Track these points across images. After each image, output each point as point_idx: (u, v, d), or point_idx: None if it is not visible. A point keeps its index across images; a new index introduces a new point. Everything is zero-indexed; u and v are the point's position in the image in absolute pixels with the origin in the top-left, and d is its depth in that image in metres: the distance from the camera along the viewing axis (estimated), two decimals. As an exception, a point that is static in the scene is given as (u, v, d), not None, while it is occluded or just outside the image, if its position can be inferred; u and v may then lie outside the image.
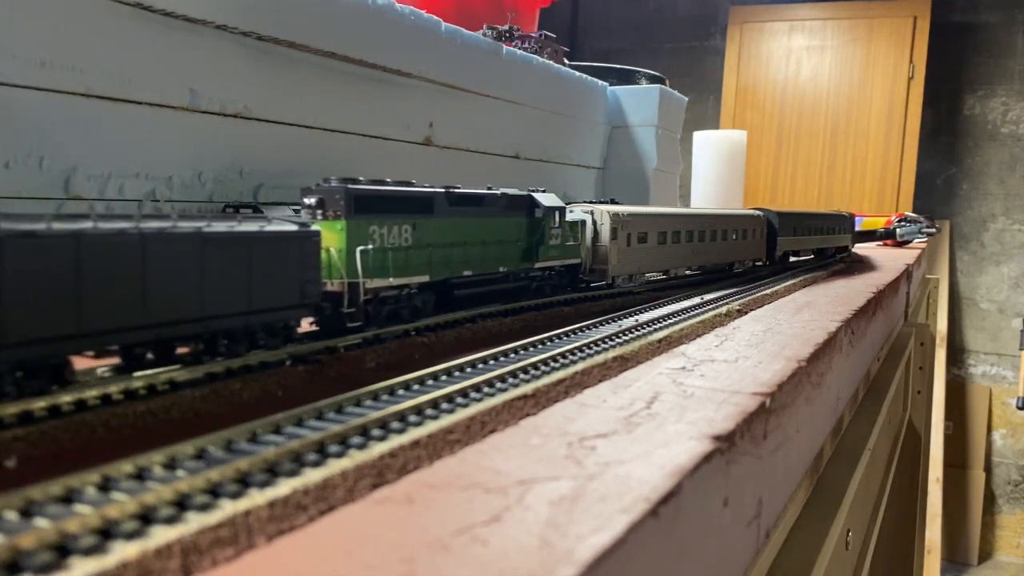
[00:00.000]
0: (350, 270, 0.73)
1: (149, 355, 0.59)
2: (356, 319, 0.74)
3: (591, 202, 1.26)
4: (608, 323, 0.92)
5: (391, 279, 0.79)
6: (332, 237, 0.74)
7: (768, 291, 1.27)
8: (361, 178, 0.79)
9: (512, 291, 1.01)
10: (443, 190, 0.88)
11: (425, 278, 0.84)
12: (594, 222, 1.15)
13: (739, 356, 0.79)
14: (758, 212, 1.68)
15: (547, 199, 1.05)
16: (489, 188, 0.97)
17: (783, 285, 1.36)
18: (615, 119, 2.42)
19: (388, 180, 0.82)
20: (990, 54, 4.60)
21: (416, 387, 0.61)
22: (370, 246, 0.75)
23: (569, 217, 1.10)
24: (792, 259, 1.87)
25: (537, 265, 1.03)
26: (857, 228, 2.73)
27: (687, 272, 1.47)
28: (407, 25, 1.51)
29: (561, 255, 1.08)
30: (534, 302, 1.05)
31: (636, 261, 1.22)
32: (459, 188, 0.90)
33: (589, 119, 2.31)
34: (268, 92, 1.27)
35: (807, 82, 4.63)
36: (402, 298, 0.82)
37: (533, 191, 1.05)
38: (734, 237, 1.55)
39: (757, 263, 1.70)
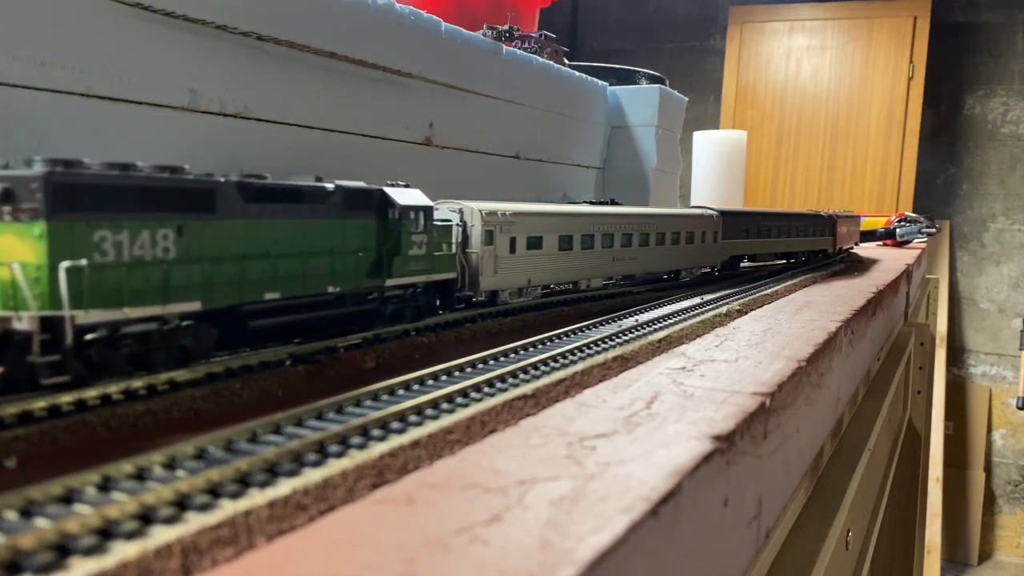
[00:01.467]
0: (50, 298, 0.50)
1: None
2: (62, 371, 0.52)
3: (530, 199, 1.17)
4: (608, 323, 0.92)
5: (126, 309, 0.54)
6: (21, 247, 0.50)
7: (768, 291, 1.27)
8: (87, 160, 0.54)
9: (348, 319, 0.77)
10: (235, 180, 0.65)
11: (196, 306, 0.60)
12: (464, 223, 0.92)
13: (739, 356, 0.79)
14: (711, 211, 1.48)
15: (406, 196, 0.82)
16: (318, 179, 0.74)
17: (783, 285, 1.36)
18: (615, 119, 2.42)
19: (142, 165, 0.58)
20: (990, 54, 4.60)
21: (416, 387, 0.61)
22: (84, 261, 0.51)
23: (439, 219, 0.90)
24: (749, 264, 1.69)
25: (390, 283, 0.80)
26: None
27: (617, 280, 1.28)
28: (407, 25, 1.51)
29: (428, 269, 0.84)
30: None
31: (524, 271, 1.00)
32: (265, 178, 0.68)
33: (589, 119, 2.31)
34: (268, 92, 1.27)
35: (807, 82, 4.63)
36: (154, 336, 0.58)
37: (394, 185, 0.83)
38: (676, 241, 1.33)
39: (713, 271, 1.53)
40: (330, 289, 0.73)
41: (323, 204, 0.73)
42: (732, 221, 1.53)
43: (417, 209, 0.83)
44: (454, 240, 0.90)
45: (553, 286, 1.11)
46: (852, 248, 2.40)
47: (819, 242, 1.95)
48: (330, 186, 0.73)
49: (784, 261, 1.84)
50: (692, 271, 1.42)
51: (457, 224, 0.91)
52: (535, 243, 1.01)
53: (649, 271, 1.28)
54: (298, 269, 0.69)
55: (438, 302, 0.90)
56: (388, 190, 0.80)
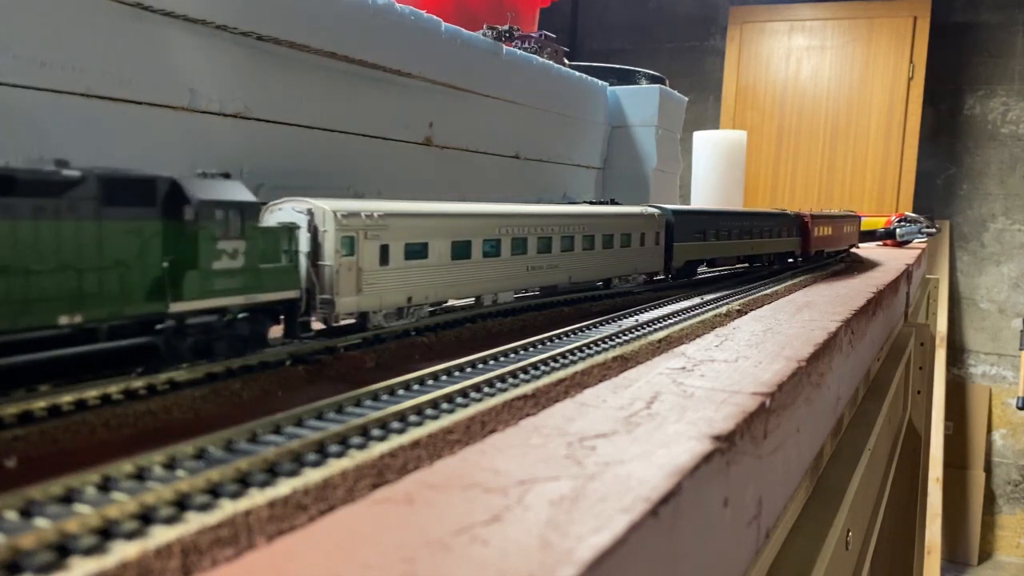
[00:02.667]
0: None
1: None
2: None
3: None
4: (608, 323, 0.92)
5: None
6: None
7: (768, 291, 1.27)
8: None
9: (102, 359, 0.55)
10: None
11: None
12: (313, 227, 0.71)
13: (739, 356, 0.79)
14: (654, 210, 1.29)
15: (211, 188, 0.62)
16: (61, 162, 0.52)
17: (783, 285, 1.36)
18: (615, 119, 2.42)
19: None
20: (990, 54, 4.60)
21: (416, 387, 0.61)
22: None
23: (270, 220, 0.72)
24: (707, 271, 1.55)
25: (180, 308, 0.58)
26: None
27: (533, 293, 1.10)
28: (407, 25, 1.51)
29: (248, 287, 0.64)
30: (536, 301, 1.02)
31: (402, 287, 0.80)
32: None
33: (589, 119, 2.31)
34: (268, 92, 1.27)
35: (807, 82, 4.63)
36: None
37: (204, 175, 0.64)
38: (609, 244, 1.15)
39: (668, 278, 1.36)
40: (64, 320, 0.51)
41: (58, 198, 0.51)
42: (686, 221, 1.35)
43: (227, 207, 0.61)
44: (297, 249, 0.70)
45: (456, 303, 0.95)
46: (848, 249, 2.24)
47: (786, 244, 1.76)
48: (75, 173, 0.52)
49: (747, 266, 1.67)
50: (632, 278, 1.22)
51: (302, 228, 0.71)
52: (417, 251, 0.82)
53: (576, 280, 1.09)
54: (2, 292, 0.48)
55: (277, 328, 0.69)
56: (184, 181, 0.60)
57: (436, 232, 0.85)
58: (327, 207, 0.72)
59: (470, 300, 0.95)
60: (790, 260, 1.80)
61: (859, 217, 2.37)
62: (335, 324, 0.74)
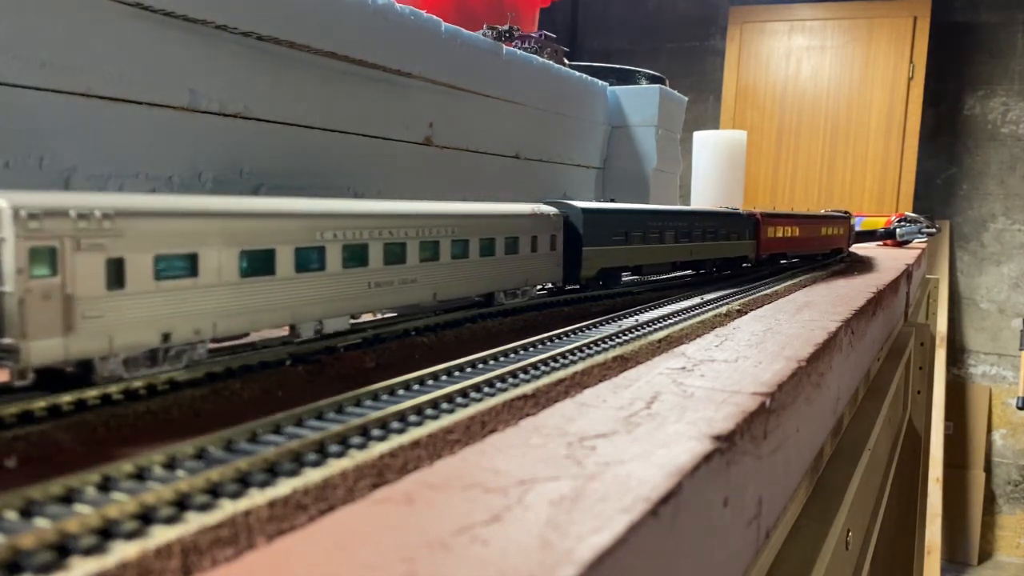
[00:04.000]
0: None
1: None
2: None
3: None
4: (608, 323, 0.92)
5: None
6: None
7: (768, 291, 1.27)
8: None
9: None
10: None
11: None
12: None
13: (739, 356, 0.79)
14: (549, 209, 1.07)
15: None
16: None
17: (783, 285, 1.36)
18: (615, 119, 2.42)
19: None
20: (990, 54, 4.61)
21: (416, 387, 0.61)
22: None
23: None
24: (631, 278, 1.30)
25: None
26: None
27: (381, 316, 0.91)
28: (407, 25, 1.51)
29: None
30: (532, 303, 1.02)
31: (155, 319, 0.57)
32: None
33: (589, 119, 2.31)
34: (268, 92, 1.27)
35: (807, 82, 4.63)
36: None
37: None
38: (489, 251, 0.94)
39: (555, 285, 1.13)
40: None
41: None
42: (599, 221, 1.13)
43: None
44: None
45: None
46: (833, 253, 2.04)
47: (736, 247, 1.54)
48: None
49: (691, 273, 1.48)
50: (523, 291, 1.01)
51: None
52: (179, 267, 0.58)
53: (444, 298, 0.86)
54: None
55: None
56: None
57: (212, 238, 0.60)
58: (3, 203, 0.48)
59: (282, 331, 0.71)
60: (745, 265, 1.60)
61: (847, 217, 2.11)
62: (37, 377, 0.53)
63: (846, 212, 2.31)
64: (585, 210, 1.10)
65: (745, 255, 1.58)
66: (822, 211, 2.19)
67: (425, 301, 0.84)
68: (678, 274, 1.45)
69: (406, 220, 0.80)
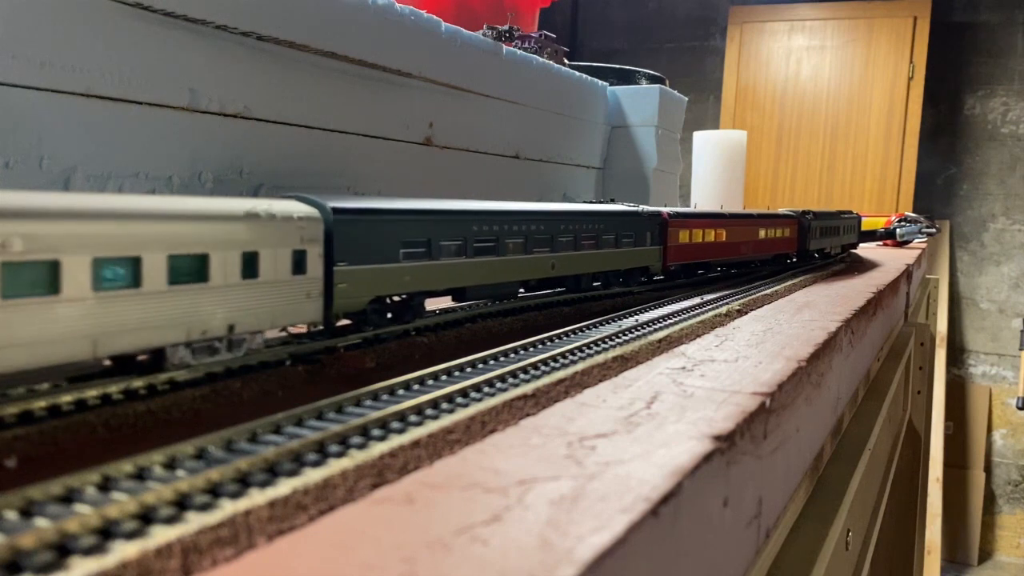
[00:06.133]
0: None
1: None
2: None
3: None
4: (608, 323, 0.92)
5: None
6: None
7: (768, 291, 1.27)
8: None
9: None
10: None
11: None
12: None
13: (739, 356, 0.79)
14: (292, 209, 0.65)
15: None
16: None
17: (783, 285, 1.36)
18: (615, 119, 2.42)
19: None
20: (990, 54, 4.61)
21: (416, 387, 0.61)
22: None
23: None
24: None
25: None
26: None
27: None
28: (407, 25, 1.51)
29: None
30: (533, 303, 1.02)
31: None
32: None
33: (589, 119, 2.31)
34: (268, 92, 1.27)
35: (807, 82, 4.63)
36: None
37: None
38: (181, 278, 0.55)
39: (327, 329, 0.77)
40: None
41: None
42: (368, 226, 0.73)
43: None
44: None
45: None
46: (791, 255, 1.74)
47: (629, 257, 1.16)
48: None
49: (563, 291, 1.09)
50: (235, 342, 0.61)
51: None
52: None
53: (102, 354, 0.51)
54: None
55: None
56: None
57: None
58: None
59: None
60: (644, 279, 1.25)
61: (797, 217, 1.76)
62: None
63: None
64: (338, 210, 0.68)
65: (646, 266, 1.21)
66: (769, 209, 1.84)
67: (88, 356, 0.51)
68: (545, 293, 1.08)
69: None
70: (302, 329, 0.72)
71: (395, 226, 0.77)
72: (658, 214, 1.24)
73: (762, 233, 1.60)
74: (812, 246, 1.82)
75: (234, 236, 0.59)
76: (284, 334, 0.69)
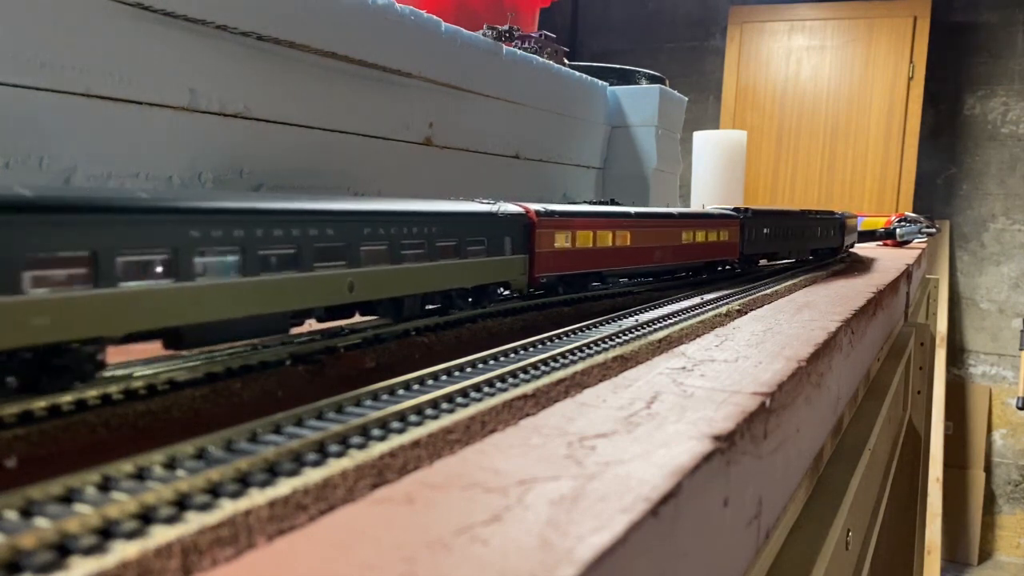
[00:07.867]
0: None
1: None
2: None
3: None
4: (608, 323, 0.91)
5: None
6: None
7: (768, 291, 1.27)
8: None
9: None
10: None
11: None
12: None
13: (739, 356, 0.79)
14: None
15: None
16: None
17: (783, 285, 1.36)
18: (615, 119, 2.42)
19: None
20: (990, 54, 4.60)
21: (416, 387, 0.61)
22: None
23: None
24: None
25: None
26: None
27: None
28: (407, 25, 1.51)
29: None
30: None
31: None
32: None
33: (589, 119, 2.31)
34: (268, 92, 1.27)
35: (807, 82, 4.63)
36: None
37: None
38: None
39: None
40: None
41: None
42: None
43: None
44: None
45: None
46: (734, 262, 1.49)
47: (474, 271, 0.89)
48: None
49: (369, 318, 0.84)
50: None
51: None
52: None
53: None
54: None
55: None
56: None
57: None
58: None
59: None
60: (505, 293, 1.00)
61: (738, 217, 1.49)
62: None
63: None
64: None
65: (504, 281, 0.95)
66: (705, 207, 1.61)
67: None
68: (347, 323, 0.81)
69: None
70: (302, 329, 0.72)
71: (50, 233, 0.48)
72: (522, 213, 0.97)
73: (686, 236, 1.33)
74: (748, 250, 1.52)
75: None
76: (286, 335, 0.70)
